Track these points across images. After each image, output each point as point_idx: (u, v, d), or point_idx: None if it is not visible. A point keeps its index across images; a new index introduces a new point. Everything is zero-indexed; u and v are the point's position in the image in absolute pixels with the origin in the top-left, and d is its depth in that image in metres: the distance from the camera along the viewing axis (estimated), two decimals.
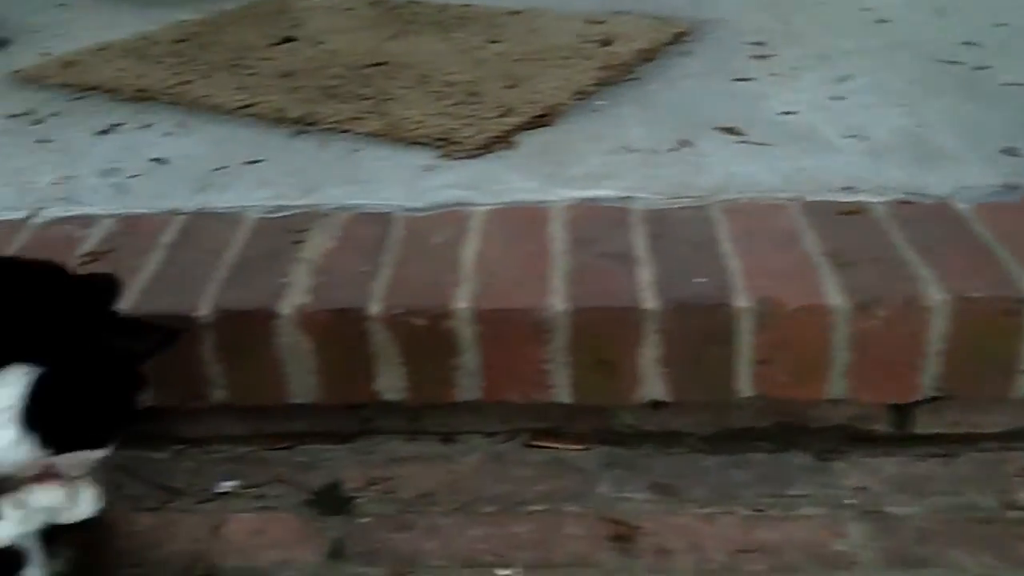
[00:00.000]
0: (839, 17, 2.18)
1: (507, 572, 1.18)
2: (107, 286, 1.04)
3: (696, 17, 2.18)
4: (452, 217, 1.45)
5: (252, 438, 1.40)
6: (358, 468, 1.35)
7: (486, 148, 1.63)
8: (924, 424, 1.33)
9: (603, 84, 1.86)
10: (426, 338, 1.27)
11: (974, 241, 1.34)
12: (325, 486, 1.32)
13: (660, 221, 1.40)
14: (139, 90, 1.99)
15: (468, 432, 1.38)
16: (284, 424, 1.39)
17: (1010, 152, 1.57)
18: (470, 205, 1.48)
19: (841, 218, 1.39)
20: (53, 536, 1.10)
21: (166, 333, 1.04)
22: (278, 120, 1.81)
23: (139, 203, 1.56)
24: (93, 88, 2.04)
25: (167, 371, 1.21)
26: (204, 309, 1.28)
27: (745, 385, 1.27)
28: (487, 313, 1.25)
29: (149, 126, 1.85)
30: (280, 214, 1.50)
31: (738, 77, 1.88)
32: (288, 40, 2.20)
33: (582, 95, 1.81)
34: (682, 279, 1.27)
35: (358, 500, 1.30)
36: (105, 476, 1.10)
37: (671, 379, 1.27)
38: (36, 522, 1.01)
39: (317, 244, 1.41)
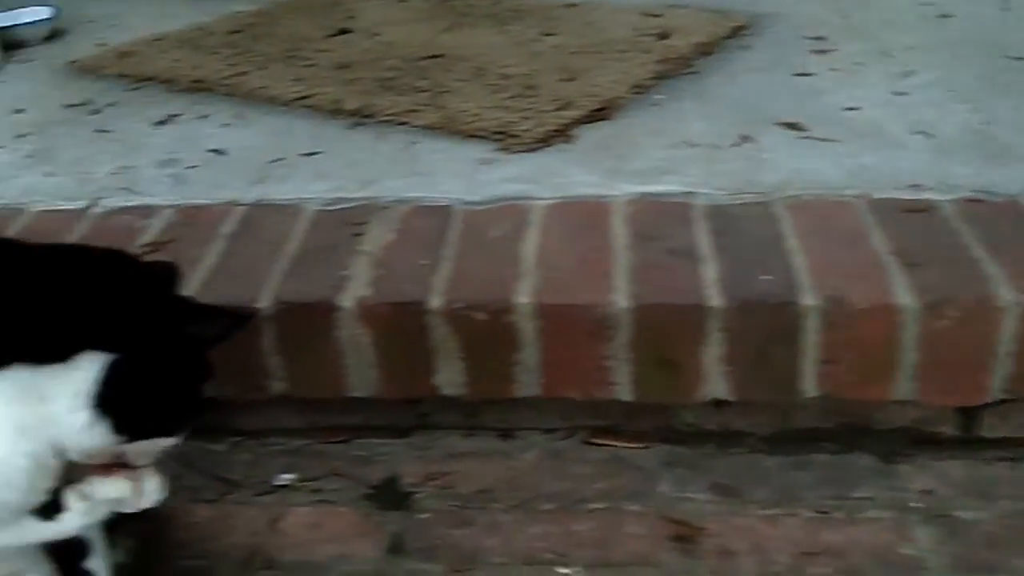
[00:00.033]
0: (900, 12, 2.14)
1: (567, 571, 1.17)
2: (169, 273, 1.04)
3: (753, 11, 2.15)
4: (511, 211, 1.44)
5: (308, 431, 1.39)
6: (416, 463, 1.34)
7: (544, 142, 1.62)
8: (991, 427, 1.30)
9: (661, 78, 1.84)
10: (486, 333, 1.26)
11: None
12: (383, 480, 1.32)
13: (723, 217, 1.38)
14: (195, 81, 1.99)
15: (526, 428, 1.36)
16: (340, 417, 1.39)
17: None
18: (529, 199, 1.46)
19: (908, 216, 1.37)
20: (114, 526, 1.11)
21: (236, 316, 1.04)
22: (335, 112, 1.80)
23: (198, 194, 1.56)
24: (149, 79, 2.05)
25: (226, 363, 1.20)
26: (265, 301, 1.28)
27: (810, 385, 1.25)
28: (549, 308, 1.24)
29: (206, 117, 1.85)
30: (339, 206, 1.49)
31: (798, 72, 1.85)
32: (343, 32, 2.19)
33: (640, 89, 1.79)
34: (747, 276, 1.25)
35: (416, 495, 1.29)
36: (164, 467, 1.10)
37: (734, 378, 1.26)
38: (100, 513, 1.01)
39: (376, 237, 1.40)
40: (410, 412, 1.38)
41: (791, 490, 1.26)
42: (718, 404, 1.30)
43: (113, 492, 1.00)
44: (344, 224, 1.44)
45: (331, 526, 1.26)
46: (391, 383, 1.32)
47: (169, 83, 2.01)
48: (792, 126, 1.63)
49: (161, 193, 1.58)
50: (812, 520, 1.21)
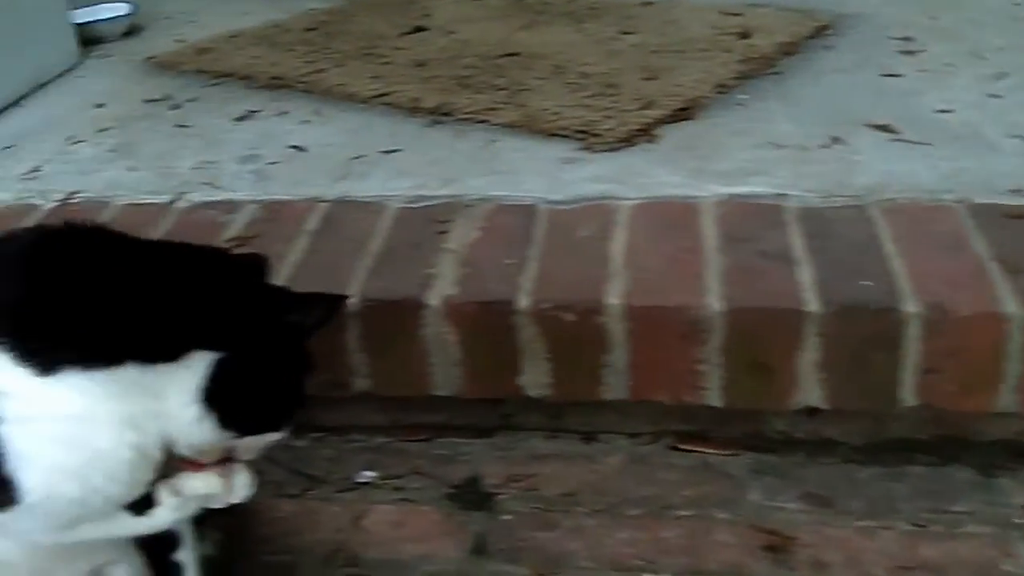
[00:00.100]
0: (989, 13, 2.09)
1: None
2: (261, 266, 1.04)
3: (836, 11, 2.11)
4: (597, 211, 1.42)
5: (390, 429, 1.38)
6: (498, 464, 1.32)
7: (627, 141, 1.60)
8: None
9: (744, 78, 1.81)
10: (574, 334, 1.24)
11: None
12: (464, 481, 1.30)
13: (816, 220, 1.35)
14: (273, 77, 1.99)
15: (610, 432, 1.34)
16: (422, 416, 1.38)
17: None
18: (615, 199, 1.44)
19: (1009, 221, 1.33)
20: (202, 519, 1.10)
21: (331, 300, 1.03)
22: (413, 110, 1.79)
23: (280, 190, 1.56)
24: (227, 75, 2.05)
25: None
26: (350, 298, 1.27)
27: (908, 394, 1.22)
28: (639, 310, 1.22)
29: (285, 113, 1.85)
30: (421, 204, 1.48)
31: (886, 73, 1.81)
32: (419, 29, 2.18)
33: (723, 88, 1.76)
34: (845, 281, 1.22)
35: (499, 496, 1.27)
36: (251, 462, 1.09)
37: (829, 385, 1.22)
38: (191, 508, 1.00)
39: (461, 235, 1.39)
40: (492, 412, 1.37)
41: (886, 502, 1.22)
42: (810, 412, 1.27)
43: (204, 487, 1.00)
44: (427, 222, 1.43)
45: (414, 525, 1.25)
46: (475, 382, 1.30)
47: (247, 79, 2.02)
48: (883, 128, 1.59)
49: (243, 189, 1.58)
50: (909, 533, 1.18)
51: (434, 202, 1.48)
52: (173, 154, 1.72)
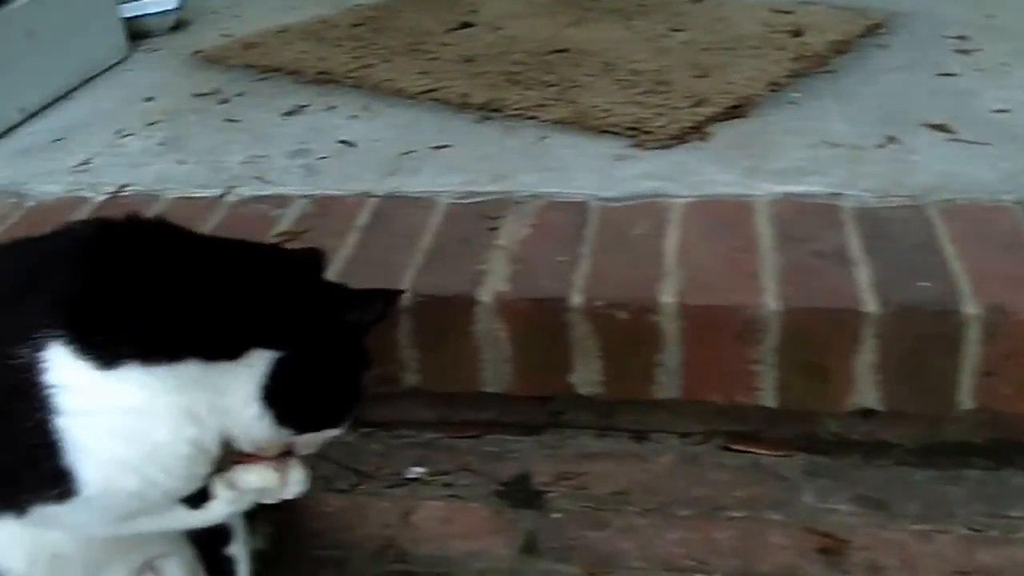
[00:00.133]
0: None
1: None
2: (318, 261, 1.04)
3: (889, 9, 2.08)
4: (650, 208, 1.41)
5: (439, 425, 1.38)
6: (548, 462, 1.32)
7: (679, 139, 1.58)
8: None
9: (797, 76, 1.79)
10: (627, 332, 1.23)
11: None
12: (514, 478, 1.30)
13: (873, 220, 1.33)
14: (321, 72, 1.99)
15: (661, 431, 1.33)
16: (471, 412, 1.37)
17: None
18: (667, 196, 1.43)
19: None
20: (253, 513, 1.10)
21: (388, 296, 1.03)
22: (462, 105, 1.79)
23: (329, 184, 1.56)
24: (275, 70, 2.05)
25: None
26: (406, 292, 1.27)
27: (966, 397, 1.20)
28: (694, 309, 1.21)
29: (333, 108, 1.85)
30: (471, 200, 1.48)
31: (941, 72, 1.78)
32: (466, 25, 2.18)
33: (776, 87, 1.74)
34: (903, 282, 1.20)
35: (549, 494, 1.27)
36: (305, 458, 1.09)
37: (885, 387, 1.21)
38: (245, 503, 1.00)
39: (512, 231, 1.38)
40: (542, 410, 1.36)
41: (942, 506, 1.21)
42: (865, 414, 1.25)
43: (259, 481, 1.00)
44: (478, 218, 1.43)
45: (463, 522, 1.25)
46: (525, 380, 1.30)
47: (295, 74, 2.02)
48: (939, 127, 1.57)
49: (293, 183, 1.58)
50: (965, 538, 1.17)
51: (484, 198, 1.48)
52: (222, 148, 1.72)
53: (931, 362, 1.19)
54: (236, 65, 2.11)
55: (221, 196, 1.55)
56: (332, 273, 1.30)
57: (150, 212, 1.48)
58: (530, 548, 1.20)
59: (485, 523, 1.24)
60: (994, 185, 1.39)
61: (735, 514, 1.22)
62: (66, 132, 1.86)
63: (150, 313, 0.85)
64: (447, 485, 1.30)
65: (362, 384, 1.00)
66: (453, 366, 1.30)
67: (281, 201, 1.52)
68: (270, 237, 1.41)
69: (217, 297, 0.88)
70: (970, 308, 1.15)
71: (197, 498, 0.95)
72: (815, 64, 1.83)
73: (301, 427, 0.96)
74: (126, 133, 1.83)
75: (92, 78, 2.13)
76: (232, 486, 0.98)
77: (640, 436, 1.34)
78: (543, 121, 1.70)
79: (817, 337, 1.20)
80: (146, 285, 0.87)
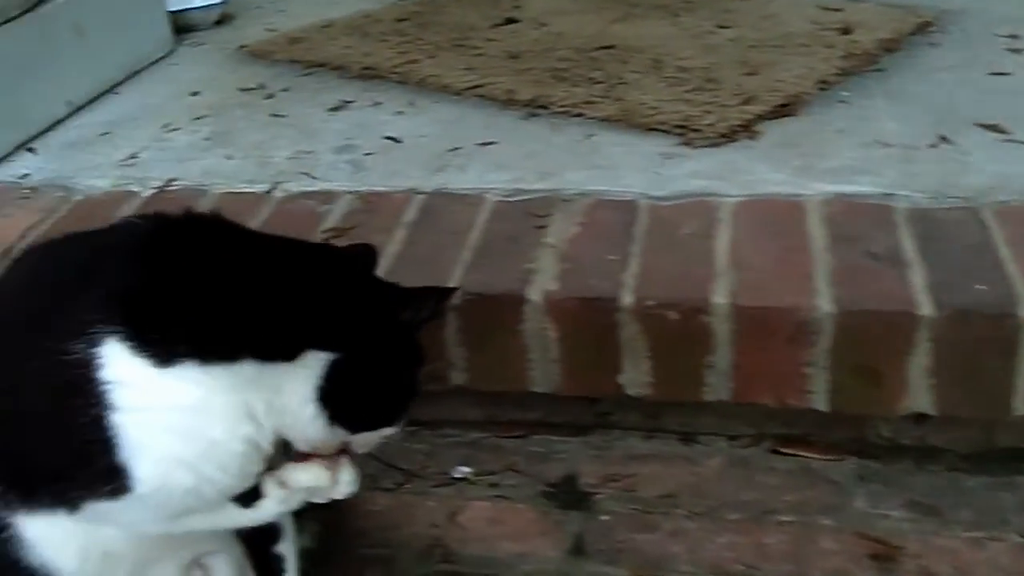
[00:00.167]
0: None
1: None
2: (368, 257, 1.03)
3: (940, 7, 2.05)
4: (700, 207, 1.39)
5: (484, 424, 1.38)
6: (594, 463, 1.31)
7: (728, 137, 1.57)
8: None
9: (846, 74, 1.77)
10: (678, 333, 1.22)
11: None
12: (561, 479, 1.29)
13: (927, 221, 1.31)
14: (366, 68, 1.99)
15: (709, 433, 1.32)
16: (517, 412, 1.37)
17: None
18: (717, 196, 1.42)
19: None
20: (301, 511, 1.10)
21: (440, 293, 1.02)
22: (508, 102, 1.78)
23: (376, 181, 1.56)
24: (320, 65, 2.05)
25: None
26: (460, 288, 1.26)
27: (1021, 402, 1.18)
28: (747, 310, 1.19)
29: (379, 104, 1.85)
30: (519, 197, 1.47)
31: (994, 71, 1.75)
32: (510, 21, 2.17)
33: (825, 85, 1.72)
34: (959, 285, 1.18)
35: (596, 496, 1.26)
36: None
37: (940, 391, 1.19)
38: (296, 502, 1.00)
39: (560, 229, 1.37)
40: (589, 410, 1.35)
41: (995, 512, 1.19)
42: (917, 418, 1.24)
43: (310, 481, 0.99)
44: (525, 215, 1.42)
45: (510, 523, 1.24)
46: (573, 379, 1.29)
47: (340, 69, 2.02)
48: (993, 128, 1.54)
49: (339, 179, 1.57)
50: (1019, 546, 1.15)
51: (532, 196, 1.47)
52: (269, 143, 1.73)
53: (986, 366, 1.17)
54: (281, 60, 2.11)
55: (268, 192, 1.55)
56: (380, 270, 1.30)
57: (198, 207, 1.50)
58: (578, 550, 1.19)
59: (532, 524, 1.23)
60: None
61: (785, 518, 1.20)
62: (113, 126, 1.87)
63: (208, 312, 0.85)
64: (493, 485, 1.29)
65: (417, 381, 0.99)
66: (500, 365, 1.29)
67: (328, 197, 1.52)
68: (317, 233, 1.41)
69: (275, 298, 0.88)
70: None
71: (248, 497, 0.95)
72: (865, 62, 1.81)
73: (357, 426, 0.95)
74: (173, 127, 1.83)
75: (138, 72, 2.14)
76: (283, 485, 0.97)
77: (688, 438, 1.33)
78: (590, 118, 1.69)
79: (871, 340, 1.18)
80: (204, 283, 0.86)
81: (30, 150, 1.80)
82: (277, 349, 0.87)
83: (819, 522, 1.19)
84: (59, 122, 1.91)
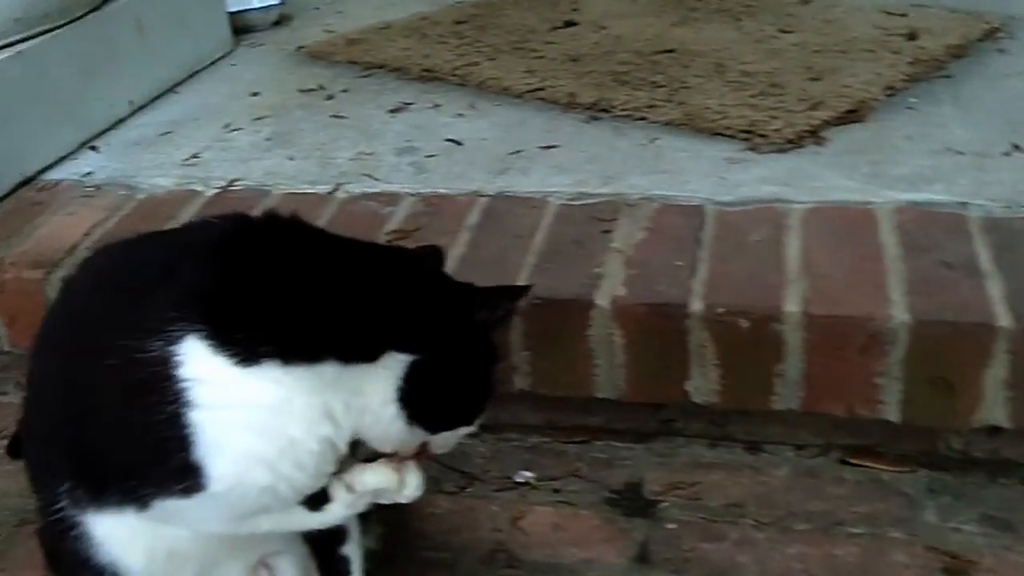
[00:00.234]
0: None
1: None
2: (437, 259, 1.03)
3: (1006, 12, 2.02)
4: (767, 213, 1.38)
5: (545, 429, 1.37)
6: (658, 470, 1.30)
7: (795, 142, 1.55)
8: None
9: (913, 80, 1.74)
10: (748, 340, 1.21)
11: None
12: (624, 486, 1.28)
13: (1003, 231, 1.29)
14: (425, 70, 1.99)
15: (776, 443, 1.30)
16: (579, 417, 1.36)
17: None
18: (785, 202, 1.40)
19: None
20: (366, 513, 1.10)
21: (515, 292, 1.02)
22: (569, 105, 1.77)
23: (438, 183, 1.55)
24: (379, 66, 2.05)
25: None
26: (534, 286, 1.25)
27: None
28: (819, 319, 1.18)
29: (438, 106, 1.85)
30: (583, 201, 1.46)
31: None
32: (569, 24, 2.16)
33: (892, 91, 1.70)
34: None
35: (662, 504, 1.24)
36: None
37: (1016, 404, 1.17)
38: (363, 505, 0.99)
39: (626, 234, 1.36)
40: (652, 417, 1.34)
41: None
42: (991, 431, 1.21)
43: (378, 482, 0.98)
44: (590, 220, 1.41)
45: (574, 529, 1.23)
46: (639, 386, 1.28)
47: (399, 71, 2.02)
48: None
49: (401, 181, 1.57)
50: None
51: (596, 200, 1.46)
52: (330, 144, 1.73)
53: None
54: (340, 61, 2.12)
55: (331, 193, 1.55)
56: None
57: (261, 208, 1.50)
58: (643, 558, 1.17)
59: (596, 531, 1.22)
60: None
61: (855, 530, 1.18)
62: (174, 125, 1.88)
63: (292, 313, 0.85)
64: (556, 491, 1.28)
65: (494, 379, 0.99)
66: (565, 370, 1.28)
67: (391, 199, 1.52)
68: (381, 235, 1.41)
69: (358, 300, 0.88)
70: None
71: (316, 500, 0.94)
72: (932, 68, 1.79)
73: (436, 426, 0.95)
74: (233, 127, 1.84)
75: (197, 72, 2.15)
76: (351, 488, 0.97)
77: (754, 447, 1.31)
78: (653, 122, 1.68)
79: (946, 351, 1.16)
80: (286, 283, 0.86)
81: (93, 148, 1.81)
82: (359, 351, 0.87)
83: (890, 535, 1.17)
84: (121, 121, 1.92)
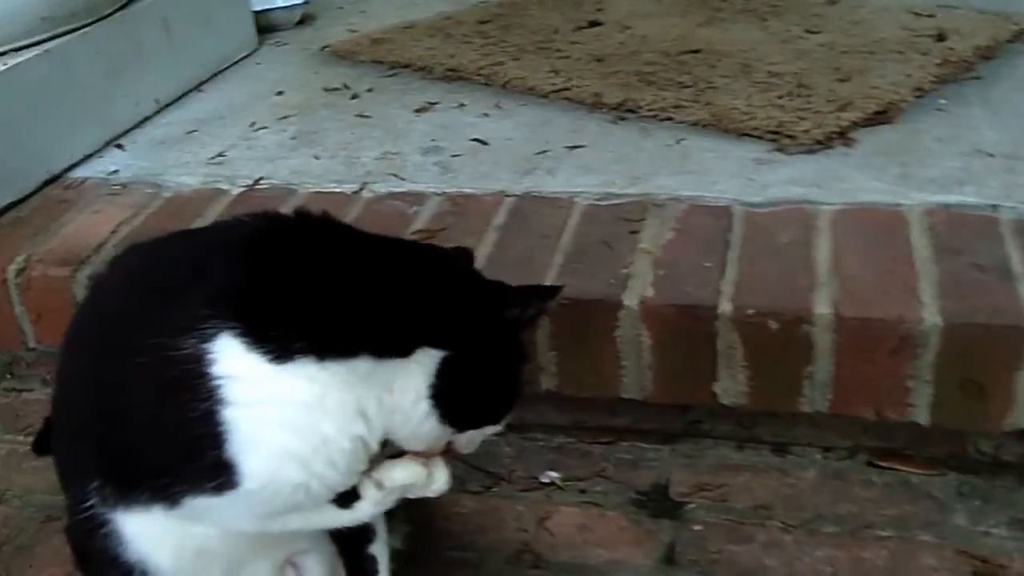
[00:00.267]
0: None
1: None
2: (467, 259, 1.03)
3: None
4: (797, 215, 1.37)
5: (571, 429, 1.36)
6: (685, 471, 1.29)
7: (824, 144, 1.54)
8: None
9: (942, 82, 1.73)
10: (777, 342, 1.20)
11: None
12: (651, 487, 1.28)
13: None
14: (450, 69, 1.99)
15: (803, 445, 1.30)
16: (605, 418, 1.35)
17: None
18: (814, 203, 1.39)
19: None
20: (393, 511, 1.09)
21: (545, 292, 1.02)
22: (595, 105, 1.77)
23: (464, 183, 1.55)
24: (404, 66, 2.05)
25: None
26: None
27: None
28: (850, 321, 1.17)
29: (463, 106, 1.85)
30: (610, 202, 1.46)
31: None
32: (594, 24, 2.15)
33: (921, 92, 1.69)
34: None
35: (688, 505, 1.24)
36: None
37: None
38: (392, 501, 0.99)
39: (654, 235, 1.35)
40: (679, 418, 1.33)
41: None
42: (1021, 434, 1.20)
43: (406, 478, 0.98)
44: (617, 220, 1.40)
45: (600, 530, 1.22)
46: (666, 387, 1.27)
47: (423, 71, 2.02)
48: None
49: (427, 180, 1.57)
50: None
51: (623, 200, 1.46)
52: (356, 144, 1.73)
53: None
54: (364, 61, 2.12)
55: (357, 192, 1.55)
56: None
57: (288, 207, 1.50)
58: (670, 559, 1.17)
59: (623, 532, 1.22)
60: None
61: (884, 533, 1.17)
62: (200, 124, 1.89)
63: (326, 309, 0.85)
64: (582, 491, 1.28)
65: (522, 379, 0.99)
66: (592, 371, 1.28)
67: (417, 198, 1.51)
68: (407, 234, 1.41)
69: (391, 295, 0.88)
70: None
71: (346, 498, 0.94)
72: (961, 70, 1.77)
73: (465, 424, 0.95)
74: (259, 126, 1.84)
75: (222, 71, 2.16)
76: (380, 485, 0.97)
77: (781, 449, 1.30)
78: (679, 123, 1.67)
79: (977, 354, 1.15)
80: (320, 280, 0.86)
81: (119, 147, 1.82)
82: (393, 346, 0.87)
83: (919, 538, 1.16)
84: (147, 119, 1.93)
